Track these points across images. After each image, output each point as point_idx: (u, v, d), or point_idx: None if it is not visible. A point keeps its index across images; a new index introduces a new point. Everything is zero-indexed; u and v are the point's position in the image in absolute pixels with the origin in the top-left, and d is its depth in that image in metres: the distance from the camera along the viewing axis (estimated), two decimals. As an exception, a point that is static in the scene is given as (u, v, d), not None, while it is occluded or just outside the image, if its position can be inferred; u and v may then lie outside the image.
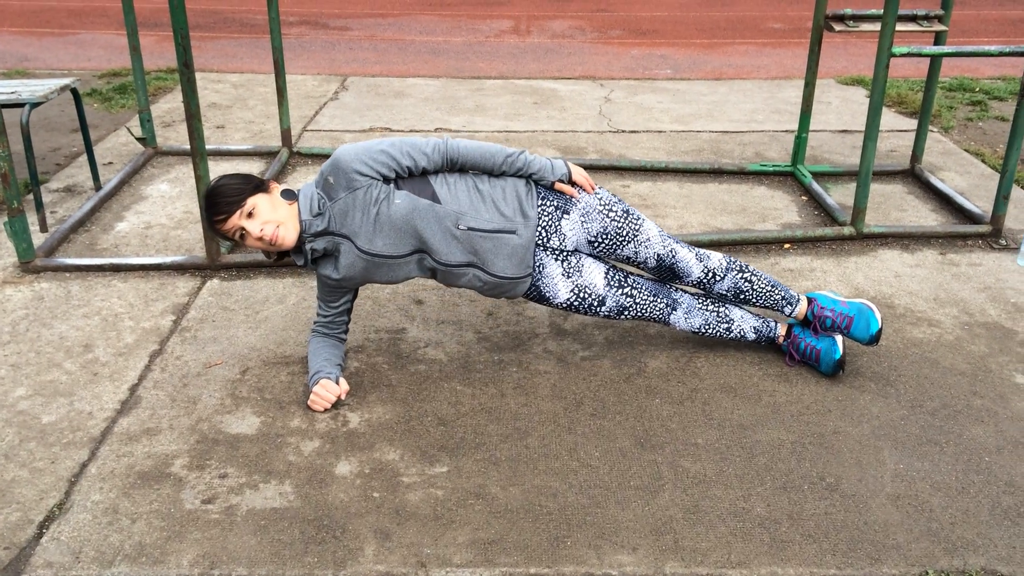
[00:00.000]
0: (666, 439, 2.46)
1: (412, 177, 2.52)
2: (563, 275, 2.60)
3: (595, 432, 2.48)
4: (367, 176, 2.44)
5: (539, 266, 2.58)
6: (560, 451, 2.41)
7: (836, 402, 2.62)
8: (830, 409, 2.59)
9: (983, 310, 3.14)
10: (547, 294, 2.62)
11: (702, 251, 2.74)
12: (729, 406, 2.60)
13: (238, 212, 2.40)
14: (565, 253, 2.61)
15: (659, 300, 2.71)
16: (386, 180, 2.47)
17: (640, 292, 2.69)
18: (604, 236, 2.62)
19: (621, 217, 2.63)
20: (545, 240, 2.57)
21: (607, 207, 2.63)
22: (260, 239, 2.42)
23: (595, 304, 2.65)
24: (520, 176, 2.59)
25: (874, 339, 2.68)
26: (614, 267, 2.70)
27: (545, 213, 2.56)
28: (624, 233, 2.63)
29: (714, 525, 2.15)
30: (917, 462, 2.38)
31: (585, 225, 2.60)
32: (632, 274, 2.72)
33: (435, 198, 2.48)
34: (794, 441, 2.45)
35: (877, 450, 2.42)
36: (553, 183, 2.59)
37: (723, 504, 2.22)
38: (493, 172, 2.57)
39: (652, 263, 2.69)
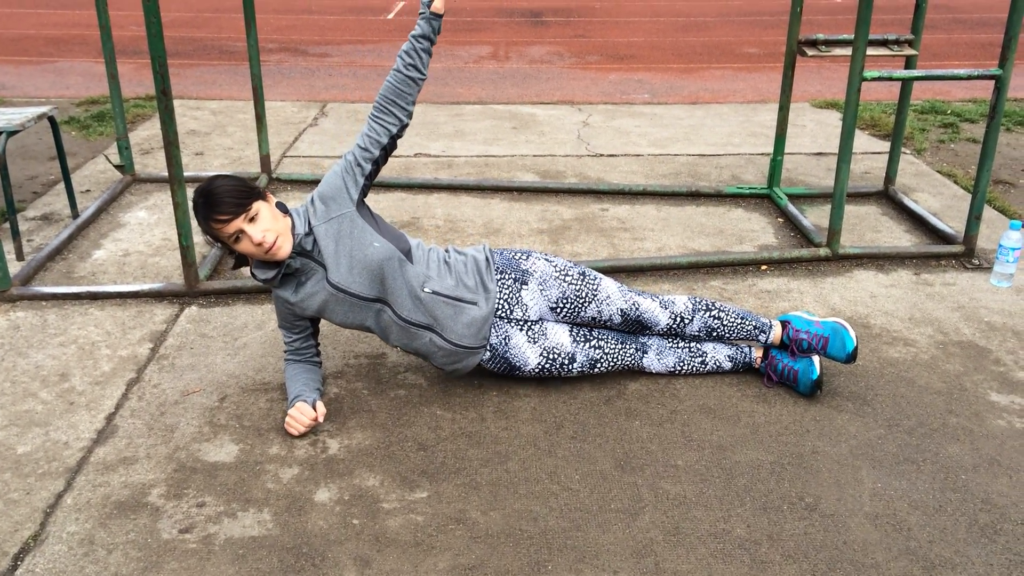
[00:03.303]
0: (646, 461, 2.46)
1: (394, 232, 2.60)
2: (529, 342, 2.64)
3: (575, 455, 2.49)
4: (342, 191, 2.51)
5: (504, 338, 2.63)
6: (540, 475, 2.41)
7: (814, 422, 2.64)
8: (808, 429, 2.61)
9: (957, 329, 3.18)
10: (517, 363, 2.65)
11: (666, 298, 2.78)
12: (708, 427, 2.61)
13: (243, 215, 2.40)
14: (529, 323, 2.65)
15: (628, 346, 2.74)
16: (360, 203, 2.55)
17: (608, 342, 2.72)
18: (564, 301, 2.67)
19: (578, 280, 2.68)
20: (508, 312, 2.63)
21: (563, 273, 2.69)
22: (260, 244, 2.42)
23: (566, 362, 2.68)
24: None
25: (851, 357, 2.70)
26: (577, 325, 2.73)
27: (504, 286, 2.63)
28: (583, 295, 2.68)
29: (694, 547, 2.16)
30: (895, 481, 2.39)
31: (544, 292, 2.65)
32: (597, 327, 2.75)
33: (408, 256, 2.55)
34: (773, 461, 2.46)
35: (855, 469, 2.44)
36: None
37: (703, 526, 2.22)
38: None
39: (617, 319, 2.73)
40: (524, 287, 2.64)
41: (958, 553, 2.14)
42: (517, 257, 2.71)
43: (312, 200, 2.56)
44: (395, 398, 2.74)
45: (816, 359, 2.73)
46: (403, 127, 2.58)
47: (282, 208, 2.54)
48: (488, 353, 2.64)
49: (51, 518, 2.23)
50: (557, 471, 2.42)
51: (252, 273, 2.57)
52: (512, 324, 2.63)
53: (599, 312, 2.71)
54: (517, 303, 2.63)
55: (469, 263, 2.65)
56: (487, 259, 2.67)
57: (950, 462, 2.47)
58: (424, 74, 2.57)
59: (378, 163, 2.58)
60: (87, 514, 2.24)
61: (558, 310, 2.69)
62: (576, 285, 2.68)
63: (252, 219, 2.41)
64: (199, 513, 2.25)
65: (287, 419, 2.54)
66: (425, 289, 2.54)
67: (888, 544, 2.17)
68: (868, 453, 2.50)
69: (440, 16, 2.55)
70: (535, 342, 2.64)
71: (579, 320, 2.73)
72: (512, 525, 2.22)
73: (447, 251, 2.69)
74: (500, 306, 2.62)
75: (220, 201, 2.39)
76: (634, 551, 2.14)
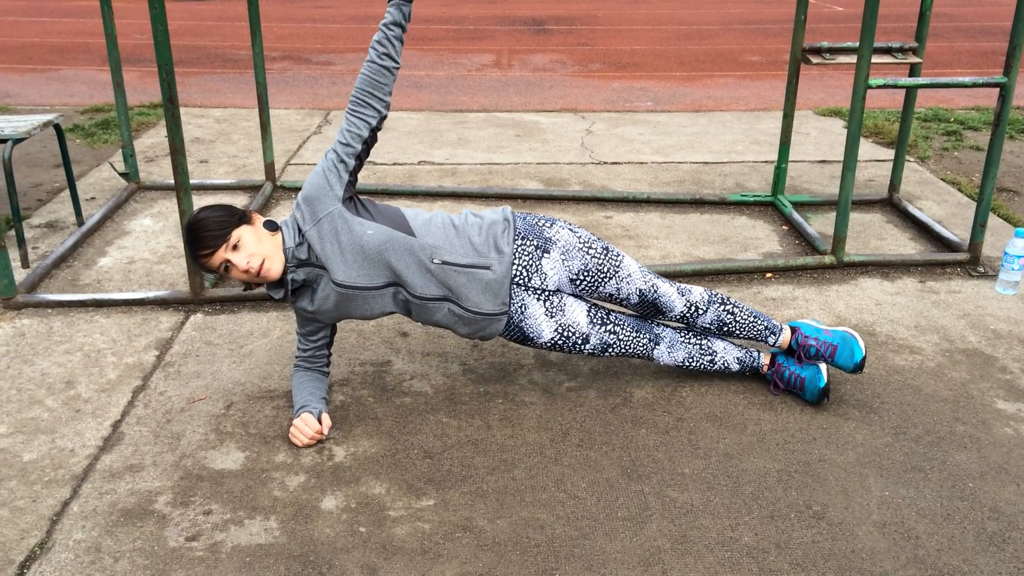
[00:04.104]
0: (653, 469, 2.46)
1: (387, 212, 2.55)
2: (546, 314, 2.61)
3: (582, 463, 2.48)
4: (325, 190, 2.48)
5: (521, 306, 2.59)
6: (547, 482, 2.40)
7: (821, 430, 2.64)
8: (815, 437, 2.60)
9: (963, 337, 3.17)
10: (531, 334, 2.63)
11: (683, 285, 2.77)
12: (715, 435, 2.61)
13: (224, 245, 2.40)
14: (547, 293, 2.62)
15: (642, 335, 2.73)
16: (346, 198, 2.50)
17: (623, 328, 2.70)
18: (585, 273, 2.64)
19: (601, 254, 2.65)
20: (526, 280, 2.58)
21: (587, 245, 2.65)
22: (247, 272, 2.42)
23: (579, 342, 2.66)
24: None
25: (858, 367, 2.70)
26: (595, 305, 2.72)
27: (524, 252, 2.58)
28: (605, 269, 2.65)
29: (702, 555, 2.15)
30: (902, 489, 2.39)
31: (566, 263, 2.62)
32: (614, 311, 2.74)
33: (410, 232, 2.50)
34: (780, 469, 2.46)
35: (862, 477, 2.43)
36: None
37: (711, 534, 2.22)
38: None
39: (635, 299, 2.71)
40: (545, 255, 2.60)
41: (966, 562, 2.14)
42: (541, 224, 2.65)
43: (298, 204, 2.53)
44: (401, 406, 2.74)
45: (823, 367, 2.72)
46: (382, 119, 2.55)
47: (271, 226, 2.51)
48: (504, 319, 2.61)
49: (57, 526, 2.22)
50: (564, 479, 2.41)
51: (268, 293, 2.57)
52: (529, 293, 2.59)
53: (618, 289, 2.68)
54: (536, 271, 2.59)
55: (484, 225, 2.59)
56: (506, 220, 2.61)
57: (957, 470, 2.47)
58: (398, 63, 2.53)
59: (360, 157, 2.55)
60: (93, 522, 2.24)
61: (578, 282, 2.65)
62: (599, 259, 2.65)
63: (235, 247, 2.41)
64: (206, 521, 2.24)
65: (291, 429, 2.54)
66: (434, 261, 2.49)
67: (896, 553, 2.16)
68: (875, 461, 2.50)
69: (410, 2, 2.52)
70: (552, 316, 2.61)
71: (597, 295, 2.70)
72: (519, 533, 2.22)
73: (463, 214, 2.63)
74: (518, 273, 2.57)
75: (199, 236, 2.39)
76: (641, 559, 2.13)
